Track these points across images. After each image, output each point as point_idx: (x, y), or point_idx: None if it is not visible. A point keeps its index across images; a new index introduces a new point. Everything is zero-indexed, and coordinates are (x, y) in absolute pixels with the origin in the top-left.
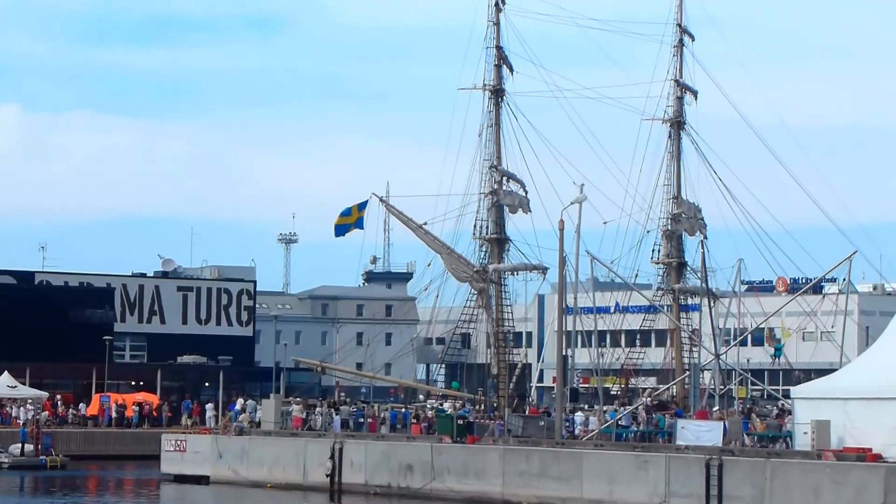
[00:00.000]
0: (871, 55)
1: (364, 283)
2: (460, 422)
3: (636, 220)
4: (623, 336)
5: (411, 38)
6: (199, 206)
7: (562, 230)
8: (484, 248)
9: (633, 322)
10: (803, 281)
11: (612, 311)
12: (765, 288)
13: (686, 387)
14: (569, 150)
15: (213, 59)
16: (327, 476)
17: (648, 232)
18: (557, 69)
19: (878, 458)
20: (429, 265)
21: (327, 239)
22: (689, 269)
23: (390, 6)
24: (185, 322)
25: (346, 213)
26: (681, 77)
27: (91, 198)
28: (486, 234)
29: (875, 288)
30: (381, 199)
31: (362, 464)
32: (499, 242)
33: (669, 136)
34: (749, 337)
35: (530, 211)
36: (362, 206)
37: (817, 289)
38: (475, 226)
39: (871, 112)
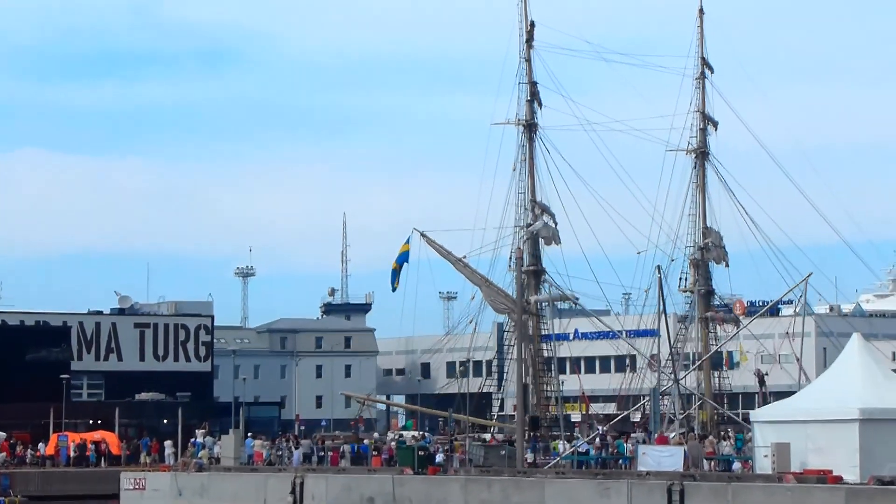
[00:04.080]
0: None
1: (322, 315)
2: (421, 452)
3: (662, 250)
4: (582, 363)
5: (367, 69)
6: (154, 241)
7: (520, 258)
8: (521, 280)
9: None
10: (760, 304)
11: (570, 337)
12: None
13: (647, 412)
14: (595, 180)
15: (166, 93)
16: None
17: (673, 261)
18: (582, 101)
19: (838, 479)
20: (472, 298)
21: (285, 271)
22: (716, 296)
23: (342, 38)
24: (142, 359)
25: (394, 272)
26: (703, 108)
27: (45, 235)
28: (523, 265)
29: (832, 309)
30: (421, 234)
31: (323, 498)
32: (535, 274)
33: (694, 167)
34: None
35: (560, 242)
36: (407, 241)
37: (775, 311)
38: (510, 258)
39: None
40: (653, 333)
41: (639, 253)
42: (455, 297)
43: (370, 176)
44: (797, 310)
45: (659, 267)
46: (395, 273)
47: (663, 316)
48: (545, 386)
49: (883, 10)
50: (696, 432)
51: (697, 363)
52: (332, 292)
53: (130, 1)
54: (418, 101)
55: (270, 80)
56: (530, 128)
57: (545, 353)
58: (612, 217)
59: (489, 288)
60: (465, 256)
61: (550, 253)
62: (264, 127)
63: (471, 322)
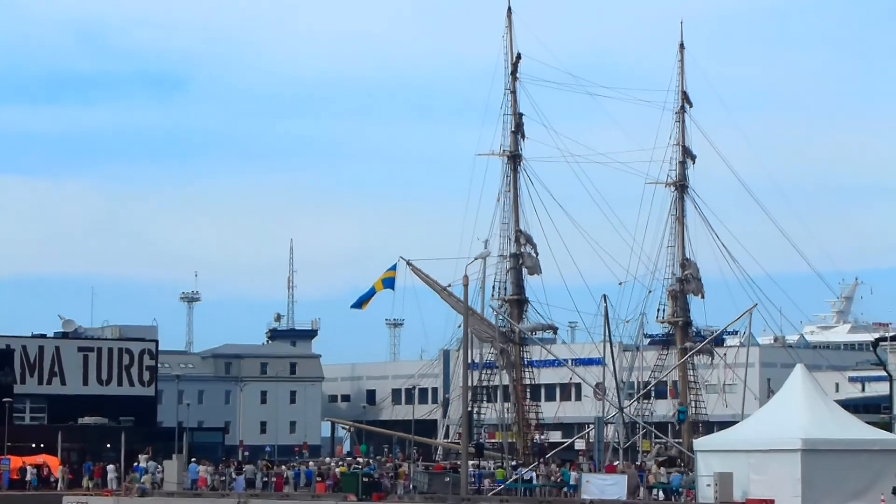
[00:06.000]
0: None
1: (268, 341)
2: (366, 479)
3: (641, 282)
4: (528, 391)
5: (309, 96)
6: (99, 266)
7: (466, 286)
8: (503, 309)
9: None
10: (697, 334)
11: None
12: (668, 341)
13: (591, 441)
14: (577, 212)
15: (112, 119)
16: None
17: (651, 292)
18: (565, 132)
19: None
20: (459, 327)
21: (230, 297)
22: (694, 328)
23: (286, 65)
24: (85, 383)
25: (370, 291)
26: (683, 142)
27: None
28: (506, 295)
29: (775, 340)
30: (407, 263)
31: None
32: (519, 303)
33: (674, 200)
34: (652, 390)
35: (541, 272)
36: (392, 268)
37: (719, 341)
38: (494, 287)
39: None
40: (598, 362)
41: (620, 284)
42: (402, 325)
43: (318, 203)
44: (741, 340)
45: (605, 296)
46: (371, 292)
47: (608, 345)
48: (528, 413)
49: (855, 53)
50: (633, 461)
51: (642, 392)
52: (278, 318)
53: (78, 26)
54: (377, 129)
55: (218, 107)
56: (514, 159)
57: (529, 380)
58: (594, 248)
59: (473, 317)
60: (449, 285)
61: (533, 283)
62: (212, 153)
63: (458, 350)
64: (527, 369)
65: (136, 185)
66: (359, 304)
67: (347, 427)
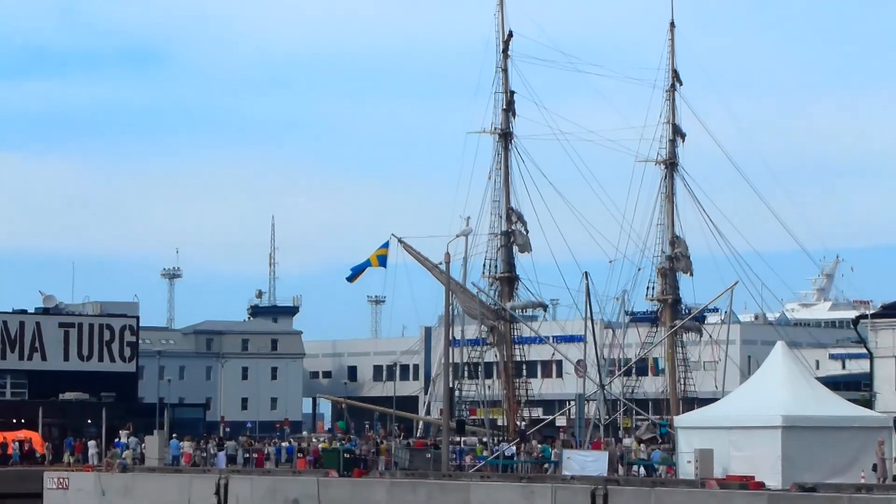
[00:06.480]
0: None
1: (249, 318)
2: (347, 455)
3: (630, 260)
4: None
5: (291, 71)
6: (79, 242)
7: (448, 263)
8: (494, 287)
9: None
10: (686, 311)
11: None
12: (650, 319)
13: (572, 417)
14: (568, 189)
15: (93, 94)
16: None
17: (640, 270)
18: (556, 110)
19: (760, 485)
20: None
21: (212, 273)
22: (683, 305)
23: (272, 41)
24: (66, 358)
25: (366, 263)
26: (673, 120)
27: None
28: (497, 272)
29: (756, 317)
30: (399, 240)
31: (248, 499)
32: (509, 281)
33: (664, 178)
34: (633, 368)
35: (532, 250)
36: (384, 245)
37: (700, 319)
38: (484, 265)
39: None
40: (580, 339)
41: (611, 262)
42: (383, 302)
43: (303, 180)
44: (722, 318)
45: (586, 273)
46: (366, 265)
47: (590, 322)
48: (518, 390)
49: (846, 34)
50: (616, 437)
51: (623, 369)
52: (260, 294)
53: (58, 1)
54: (367, 107)
55: (199, 82)
56: (505, 137)
57: (519, 358)
58: (584, 225)
59: (464, 294)
60: (440, 263)
61: (523, 261)
62: (193, 129)
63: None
64: (517, 346)
65: (118, 160)
66: (352, 276)
67: (340, 403)
